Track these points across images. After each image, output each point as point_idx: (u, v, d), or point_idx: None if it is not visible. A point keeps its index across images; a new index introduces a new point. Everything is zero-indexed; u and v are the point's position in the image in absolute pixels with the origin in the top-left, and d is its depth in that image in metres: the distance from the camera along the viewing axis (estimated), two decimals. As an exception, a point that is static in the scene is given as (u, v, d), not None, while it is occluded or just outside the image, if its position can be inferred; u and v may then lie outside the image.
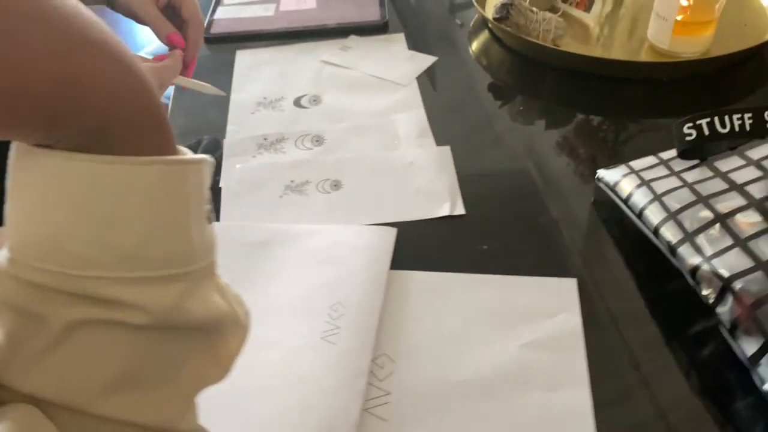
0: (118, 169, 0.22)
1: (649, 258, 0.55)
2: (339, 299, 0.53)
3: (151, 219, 0.23)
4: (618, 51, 0.83)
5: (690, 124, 0.54)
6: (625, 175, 0.58)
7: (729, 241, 0.47)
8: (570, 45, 0.83)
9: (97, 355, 0.23)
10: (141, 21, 0.67)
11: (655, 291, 0.54)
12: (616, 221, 0.59)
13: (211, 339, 0.27)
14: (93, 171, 0.22)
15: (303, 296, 0.54)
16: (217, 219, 0.63)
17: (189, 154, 0.26)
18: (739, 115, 0.53)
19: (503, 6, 0.79)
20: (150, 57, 0.64)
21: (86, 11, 0.21)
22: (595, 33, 0.87)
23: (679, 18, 0.75)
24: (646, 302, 0.53)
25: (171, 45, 0.65)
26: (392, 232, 0.59)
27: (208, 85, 0.70)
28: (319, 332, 0.51)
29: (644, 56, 0.80)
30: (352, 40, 0.88)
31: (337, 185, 0.65)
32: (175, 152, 0.25)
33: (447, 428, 0.45)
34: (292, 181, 0.66)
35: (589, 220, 0.61)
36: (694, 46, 0.77)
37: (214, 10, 0.97)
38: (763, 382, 0.43)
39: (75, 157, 0.21)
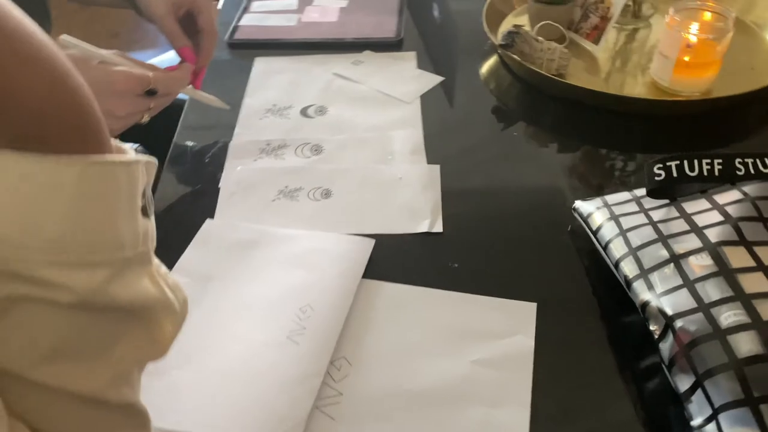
0: (42, 167, 0.25)
1: (612, 290, 0.57)
2: (309, 302, 0.56)
3: (74, 211, 0.26)
4: (620, 85, 0.84)
5: (660, 165, 0.55)
6: (598, 208, 0.60)
7: (679, 281, 0.49)
8: (575, 76, 0.85)
9: (32, 328, 0.27)
10: (160, 30, 0.72)
11: (612, 322, 0.56)
12: (588, 251, 0.61)
13: (143, 321, 0.31)
14: (20, 167, 0.25)
15: (277, 296, 0.57)
16: (212, 216, 0.67)
17: (129, 155, 0.29)
18: (709, 161, 0.55)
19: (509, 34, 0.81)
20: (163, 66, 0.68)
21: (29, 23, 0.25)
22: (604, 65, 0.88)
23: (681, 57, 0.77)
24: (602, 332, 0.55)
25: (182, 57, 0.70)
26: (369, 243, 0.62)
27: (214, 98, 0.75)
28: (286, 331, 0.54)
29: (646, 93, 0.81)
30: (366, 55, 0.92)
31: (327, 194, 0.68)
32: (107, 152, 0.28)
33: (389, 432, 0.48)
34: (286, 187, 0.69)
35: (562, 248, 0.63)
36: (694, 86, 0.78)
37: (240, 17, 1.01)
38: (691, 419, 0.44)
39: (3, 155, 0.25)
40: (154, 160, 0.30)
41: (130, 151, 0.30)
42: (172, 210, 0.70)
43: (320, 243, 0.62)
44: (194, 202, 0.70)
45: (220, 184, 0.71)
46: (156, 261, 0.32)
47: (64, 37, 0.62)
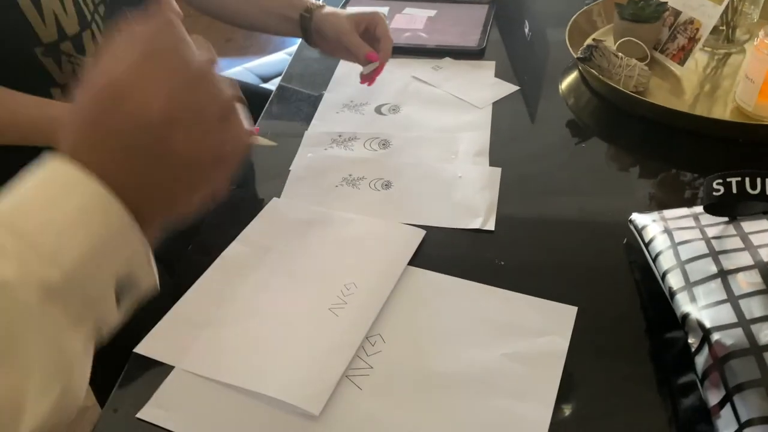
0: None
1: (660, 305, 0.55)
2: (354, 280, 0.59)
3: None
4: (701, 107, 0.82)
5: (720, 181, 0.54)
6: (654, 221, 0.59)
7: (723, 296, 0.48)
8: (655, 95, 0.83)
9: None
10: (343, 46, 0.82)
11: (654, 337, 0.54)
12: (641, 266, 0.60)
13: None
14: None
15: (325, 271, 0.61)
16: (279, 196, 0.71)
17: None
18: (773, 180, 0.53)
19: (588, 47, 0.82)
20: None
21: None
22: (688, 87, 0.86)
23: (768, 82, 0.74)
24: (642, 344, 0.54)
25: (368, 61, 0.81)
26: (420, 233, 0.64)
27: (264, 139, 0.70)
28: (328, 303, 0.57)
29: (728, 116, 0.79)
30: (446, 61, 0.94)
31: (387, 185, 0.71)
32: None
33: (412, 409, 0.49)
34: (350, 175, 0.73)
35: (615, 259, 0.62)
36: (780, 112, 0.75)
37: (333, 20, 1.07)
38: (716, 429, 0.43)
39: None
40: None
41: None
42: (245, 186, 0.75)
43: (373, 228, 0.65)
44: (266, 182, 0.75)
45: (291, 168, 0.75)
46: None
47: None
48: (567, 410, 0.49)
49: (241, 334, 0.55)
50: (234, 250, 0.64)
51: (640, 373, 0.52)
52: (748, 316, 0.45)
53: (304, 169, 0.75)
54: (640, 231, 0.60)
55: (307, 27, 0.85)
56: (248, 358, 0.53)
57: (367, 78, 0.84)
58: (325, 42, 0.86)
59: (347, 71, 0.94)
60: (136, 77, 0.34)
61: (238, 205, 0.72)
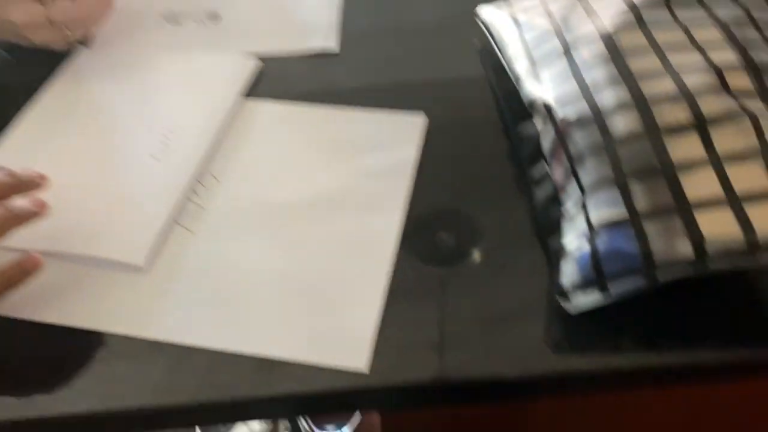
0: None
1: (515, 103, 0.51)
2: (178, 122, 0.52)
3: None
4: None
5: (561, -51, 0.49)
6: (500, 10, 0.54)
7: (567, 72, 0.44)
8: None
9: None
10: None
11: (511, 134, 0.51)
12: (495, 65, 0.55)
13: None
14: None
15: (143, 118, 0.53)
16: (86, 45, 0.61)
17: None
18: (616, -60, 0.48)
19: None
20: None
21: None
22: None
23: None
24: (499, 146, 0.51)
25: None
26: (250, 61, 0.57)
27: None
28: (148, 150, 0.50)
29: None
30: None
31: (214, 17, 0.62)
32: None
33: (255, 245, 0.45)
34: (169, 11, 0.63)
35: (470, 64, 0.58)
36: None
37: None
38: (564, 207, 0.41)
39: None
40: None
41: None
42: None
43: (195, 65, 0.57)
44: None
45: (98, 12, 0.64)
46: None
47: None
48: (419, 216, 0.46)
49: (54, 197, 0.47)
50: (38, 107, 0.54)
51: (496, 172, 0.49)
52: (591, 87, 0.42)
53: (116, 11, 0.63)
54: (487, 25, 0.55)
55: None
56: (57, 221, 0.46)
57: None
58: None
59: None
60: None
61: (39, 57, 0.60)
